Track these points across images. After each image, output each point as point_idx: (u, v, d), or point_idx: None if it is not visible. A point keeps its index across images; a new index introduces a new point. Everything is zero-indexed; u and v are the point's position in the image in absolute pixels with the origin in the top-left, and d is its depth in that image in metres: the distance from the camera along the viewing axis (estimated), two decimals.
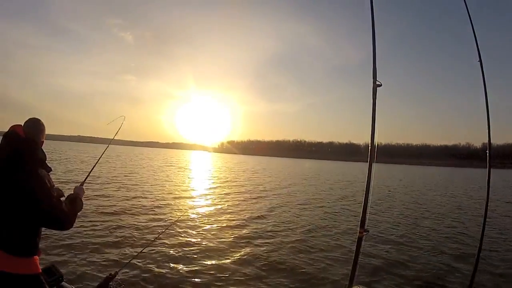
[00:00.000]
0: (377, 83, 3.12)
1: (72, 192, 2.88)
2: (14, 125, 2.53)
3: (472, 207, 18.54)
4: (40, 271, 2.56)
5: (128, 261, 4.62)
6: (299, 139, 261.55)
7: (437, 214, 15.60)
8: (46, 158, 2.60)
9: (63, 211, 2.52)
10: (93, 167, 3.73)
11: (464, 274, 7.12)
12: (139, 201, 14.41)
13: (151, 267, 6.72)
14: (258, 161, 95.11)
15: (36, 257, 2.54)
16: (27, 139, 2.51)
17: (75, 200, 2.78)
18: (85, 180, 3.28)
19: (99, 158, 4.17)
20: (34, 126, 2.60)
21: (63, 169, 25.92)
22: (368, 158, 3.29)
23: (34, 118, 2.64)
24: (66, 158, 41.98)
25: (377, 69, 3.15)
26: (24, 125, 2.55)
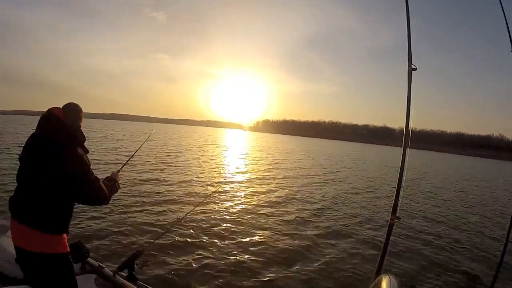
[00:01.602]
0: (412, 66, 2.96)
1: (110, 175, 3.05)
2: (53, 108, 2.56)
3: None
4: (68, 250, 2.63)
5: (155, 240, 4.52)
6: (334, 121, 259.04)
7: (470, 206, 15.16)
8: (85, 140, 2.65)
9: (101, 188, 2.63)
10: (130, 157, 3.99)
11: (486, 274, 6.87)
12: (171, 180, 14.48)
13: (178, 246, 6.71)
14: (296, 141, 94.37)
15: (65, 235, 2.61)
16: (67, 122, 2.54)
17: (113, 182, 2.95)
18: (121, 167, 3.49)
19: (135, 152, 4.25)
20: (73, 109, 2.64)
21: (105, 148, 26.42)
22: (403, 144, 3.17)
23: (73, 102, 2.66)
24: (105, 136, 42.84)
25: (412, 52, 2.98)
26: (63, 108, 2.59)
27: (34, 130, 2.55)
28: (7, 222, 3.89)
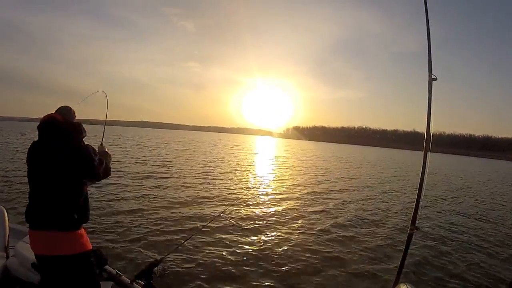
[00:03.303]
0: (433, 77, 2.85)
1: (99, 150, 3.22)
2: (49, 114, 2.66)
3: None
4: (90, 248, 2.68)
5: (175, 248, 4.61)
6: (364, 126, 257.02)
7: (496, 214, 14.16)
8: (85, 135, 2.80)
9: (108, 167, 2.90)
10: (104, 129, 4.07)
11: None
12: (196, 186, 14.47)
13: (198, 256, 6.59)
14: (324, 147, 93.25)
15: (84, 231, 2.67)
16: (69, 120, 2.71)
17: (105, 154, 3.21)
18: (102, 140, 3.65)
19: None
20: (68, 110, 2.78)
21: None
22: (423, 152, 3.02)
23: (66, 105, 2.83)
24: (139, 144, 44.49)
25: (433, 60, 2.88)
26: (58, 111, 2.73)
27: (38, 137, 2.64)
28: (24, 228, 4.03)
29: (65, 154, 2.54)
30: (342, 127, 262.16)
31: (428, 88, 2.87)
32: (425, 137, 2.97)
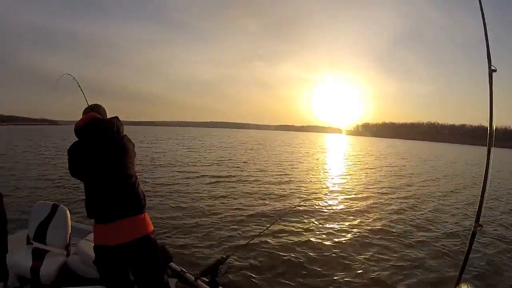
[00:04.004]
0: (492, 68, 2.68)
1: None
2: (89, 114, 2.70)
3: None
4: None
5: (241, 246, 4.55)
6: (432, 121, 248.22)
7: None
8: None
9: None
10: None
11: None
12: (265, 185, 14.44)
13: (264, 254, 6.54)
14: (394, 144, 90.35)
15: None
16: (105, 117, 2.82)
17: None
18: None
19: None
20: (103, 110, 2.88)
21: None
22: (487, 148, 2.83)
23: (95, 104, 2.93)
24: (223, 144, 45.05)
25: (493, 50, 2.71)
26: (95, 110, 2.78)
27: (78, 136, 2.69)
28: (86, 227, 4.24)
29: (127, 144, 2.75)
30: (411, 123, 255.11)
31: (489, 80, 2.72)
32: (488, 131, 2.82)
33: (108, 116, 2.86)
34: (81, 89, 4.06)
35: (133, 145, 2.87)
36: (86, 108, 2.84)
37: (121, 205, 2.59)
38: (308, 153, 39.55)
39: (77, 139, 2.64)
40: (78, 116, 2.74)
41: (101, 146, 2.58)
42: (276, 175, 17.76)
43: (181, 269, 3.42)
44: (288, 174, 18.38)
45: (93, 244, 2.64)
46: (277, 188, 13.80)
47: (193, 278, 3.27)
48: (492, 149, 2.83)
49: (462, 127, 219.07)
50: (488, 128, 2.81)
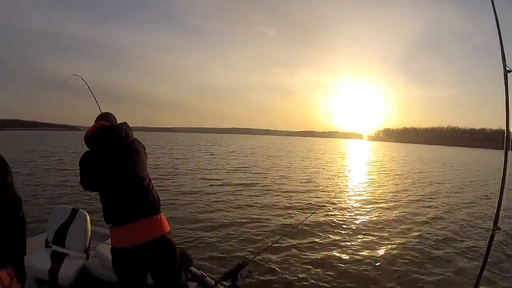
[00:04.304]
0: (508, 68, 2.64)
1: None
2: (98, 122, 2.76)
3: None
4: None
5: (262, 251, 4.57)
6: (452, 126, 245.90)
7: None
8: None
9: None
10: None
11: None
12: (289, 194, 14.22)
13: (285, 260, 6.45)
14: (416, 150, 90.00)
15: None
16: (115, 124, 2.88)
17: None
18: None
19: None
20: (113, 117, 2.95)
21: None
22: (504, 149, 2.77)
23: (106, 112, 3.00)
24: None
25: (508, 50, 2.67)
26: (106, 119, 2.84)
27: (87, 144, 2.74)
28: (106, 231, 4.21)
29: (138, 147, 2.81)
30: (432, 128, 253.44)
31: (504, 81, 2.69)
32: (505, 134, 2.78)
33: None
34: (90, 90, 4.13)
35: (144, 147, 2.91)
36: (97, 117, 2.89)
37: (136, 207, 2.62)
38: (331, 159, 39.19)
39: (88, 149, 2.70)
40: (91, 121, 2.83)
41: (111, 151, 2.63)
42: (300, 182, 17.50)
43: (202, 273, 3.42)
44: (312, 182, 18.09)
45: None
46: (301, 195, 13.66)
47: (213, 282, 3.27)
48: (510, 152, 2.79)
49: (482, 131, 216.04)
50: (505, 131, 2.77)
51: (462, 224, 10.00)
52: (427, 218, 10.50)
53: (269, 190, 14.17)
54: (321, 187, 16.11)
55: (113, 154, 2.63)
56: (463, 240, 8.41)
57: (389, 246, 7.66)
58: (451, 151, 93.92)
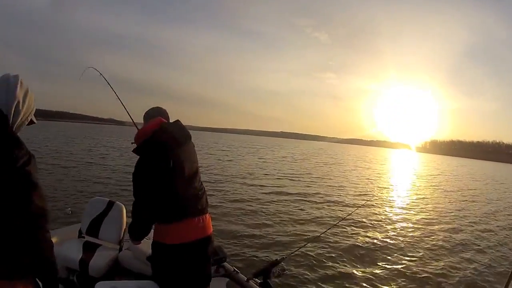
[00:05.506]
0: None
1: None
2: (158, 119, 2.55)
3: None
4: None
5: (295, 250, 4.42)
6: (497, 141, 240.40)
7: None
8: None
9: None
10: None
11: None
12: (326, 196, 14.44)
13: (318, 260, 6.47)
14: (465, 164, 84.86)
15: None
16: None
17: None
18: None
19: None
20: (167, 114, 2.76)
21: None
22: None
23: (159, 107, 2.77)
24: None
25: None
26: (163, 116, 2.64)
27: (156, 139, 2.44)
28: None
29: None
30: (478, 142, 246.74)
31: None
32: None
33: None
34: (108, 82, 3.74)
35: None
36: (146, 113, 2.68)
37: (202, 202, 2.57)
38: (383, 170, 37.81)
39: (141, 147, 2.42)
40: (139, 118, 2.73)
41: (183, 146, 2.52)
42: (350, 194, 16.55)
43: (234, 269, 3.36)
44: (365, 194, 17.39)
45: (150, 241, 2.56)
46: (346, 204, 13.35)
47: (245, 278, 3.21)
48: None
49: None
50: None
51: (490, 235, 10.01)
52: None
53: (311, 197, 14.02)
54: (372, 203, 14.22)
55: (184, 149, 2.53)
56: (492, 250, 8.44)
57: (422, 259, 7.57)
58: (498, 167, 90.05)
